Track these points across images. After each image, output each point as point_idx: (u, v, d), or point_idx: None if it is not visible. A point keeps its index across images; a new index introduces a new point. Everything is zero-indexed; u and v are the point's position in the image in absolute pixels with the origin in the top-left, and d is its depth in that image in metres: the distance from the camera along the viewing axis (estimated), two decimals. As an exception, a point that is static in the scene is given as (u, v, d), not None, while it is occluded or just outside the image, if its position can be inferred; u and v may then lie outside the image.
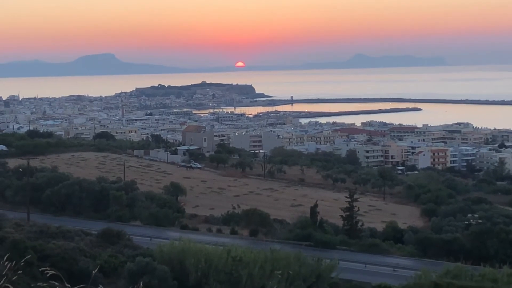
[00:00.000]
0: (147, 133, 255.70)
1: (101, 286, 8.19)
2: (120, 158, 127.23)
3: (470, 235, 59.15)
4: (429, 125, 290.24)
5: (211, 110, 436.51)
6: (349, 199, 68.87)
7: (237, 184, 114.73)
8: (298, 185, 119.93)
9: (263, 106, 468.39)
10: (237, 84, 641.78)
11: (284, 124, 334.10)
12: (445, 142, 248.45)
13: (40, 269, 8.96)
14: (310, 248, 52.30)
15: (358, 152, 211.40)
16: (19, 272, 8.14)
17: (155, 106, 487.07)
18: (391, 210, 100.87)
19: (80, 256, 35.39)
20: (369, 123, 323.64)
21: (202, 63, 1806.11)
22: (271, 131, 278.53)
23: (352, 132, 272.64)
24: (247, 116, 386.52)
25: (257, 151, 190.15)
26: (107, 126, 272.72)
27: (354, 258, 51.96)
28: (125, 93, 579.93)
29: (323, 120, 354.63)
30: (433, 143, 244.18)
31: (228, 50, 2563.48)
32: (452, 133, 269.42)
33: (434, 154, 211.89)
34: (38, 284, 7.72)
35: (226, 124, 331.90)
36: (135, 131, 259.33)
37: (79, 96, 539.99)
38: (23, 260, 8.29)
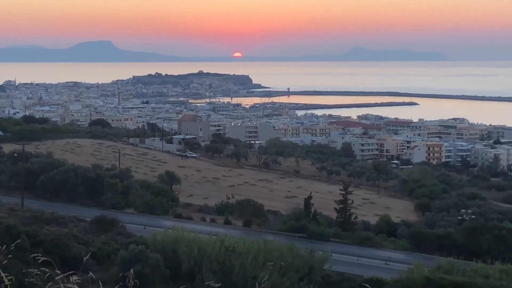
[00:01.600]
0: (143, 121, 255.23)
1: (91, 273, 8.15)
2: (115, 146, 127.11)
3: (463, 231, 59.37)
4: (425, 119, 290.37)
5: (207, 100, 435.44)
6: (343, 192, 68.92)
7: (231, 174, 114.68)
8: (293, 177, 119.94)
9: (259, 97, 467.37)
10: (234, 75, 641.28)
11: (280, 115, 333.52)
12: (441, 137, 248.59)
13: (32, 255, 8.95)
14: (303, 240, 52.40)
15: (354, 145, 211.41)
16: (10, 256, 8.10)
17: (151, 94, 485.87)
18: (385, 203, 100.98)
19: (73, 243, 35.40)
20: (365, 117, 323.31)
21: (199, 52, 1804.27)
22: (267, 122, 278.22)
23: (348, 125, 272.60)
24: (244, 107, 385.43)
25: (253, 142, 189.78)
26: (103, 113, 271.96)
27: (347, 250, 52.09)
28: (122, 80, 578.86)
29: (319, 112, 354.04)
30: (428, 137, 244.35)
31: (226, 40, 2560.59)
32: (447, 128, 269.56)
33: (429, 148, 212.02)
34: (29, 269, 7.69)
35: (222, 114, 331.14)
36: (131, 119, 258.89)
37: (75, 82, 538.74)
38: (13, 244, 8.26)
